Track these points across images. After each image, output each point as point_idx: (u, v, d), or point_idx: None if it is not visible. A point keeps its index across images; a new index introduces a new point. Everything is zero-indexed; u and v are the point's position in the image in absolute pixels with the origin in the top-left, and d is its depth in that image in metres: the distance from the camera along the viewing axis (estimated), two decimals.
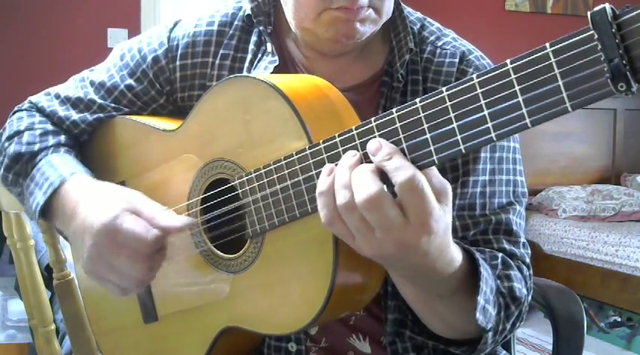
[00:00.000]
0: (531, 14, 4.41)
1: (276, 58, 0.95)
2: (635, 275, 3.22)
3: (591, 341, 3.29)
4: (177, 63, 0.99)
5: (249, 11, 0.99)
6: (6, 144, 1.00)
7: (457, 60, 0.95)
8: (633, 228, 3.57)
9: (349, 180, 0.65)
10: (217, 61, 0.98)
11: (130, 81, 1.01)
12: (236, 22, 1.00)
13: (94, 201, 0.85)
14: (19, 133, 1.00)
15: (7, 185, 1.02)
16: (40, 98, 1.06)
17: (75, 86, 1.05)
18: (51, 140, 0.99)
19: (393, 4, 0.93)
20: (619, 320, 3.41)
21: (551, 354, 1.24)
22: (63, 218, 0.89)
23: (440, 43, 0.97)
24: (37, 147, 0.97)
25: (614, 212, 3.85)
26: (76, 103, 1.03)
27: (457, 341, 0.87)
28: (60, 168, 0.93)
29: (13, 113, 1.06)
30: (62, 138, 1.00)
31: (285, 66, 0.98)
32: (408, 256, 0.66)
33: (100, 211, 0.82)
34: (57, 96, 1.05)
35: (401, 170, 0.63)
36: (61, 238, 1.19)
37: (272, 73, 0.94)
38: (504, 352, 1.07)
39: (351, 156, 0.66)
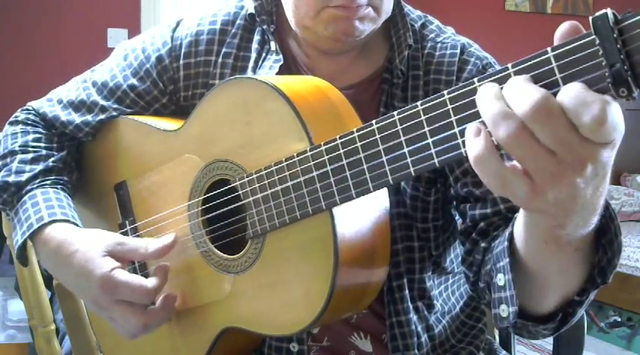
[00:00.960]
0: (531, 14, 4.41)
1: (281, 56, 0.96)
2: (634, 275, 3.22)
3: (591, 341, 3.29)
4: (181, 62, 1.00)
5: (251, 10, 0.99)
6: None
7: (458, 51, 0.96)
8: (633, 228, 3.57)
9: (505, 107, 0.54)
10: (220, 60, 0.99)
11: (132, 80, 1.01)
12: (238, 21, 1.00)
13: (79, 260, 0.86)
14: (12, 154, 1.00)
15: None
16: (42, 104, 1.06)
17: (77, 88, 1.05)
18: (40, 166, 0.98)
19: (392, 3, 0.93)
20: (619, 320, 3.41)
21: (551, 354, 1.24)
22: (48, 262, 0.92)
23: (440, 39, 0.98)
24: (25, 177, 0.96)
25: None
26: (79, 106, 1.03)
27: (546, 316, 0.79)
28: (41, 210, 0.92)
29: (10, 123, 1.06)
30: (50, 162, 0.99)
31: (288, 65, 0.98)
32: (590, 181, 0.56)
33: (90, 272, 0.84)
34: (59, 102, 1.05)
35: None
36: None
37: (277, 72, 0.94)
38: (504, 352, 1.07)
39: (490, 87, 0.56)
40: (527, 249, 0.72)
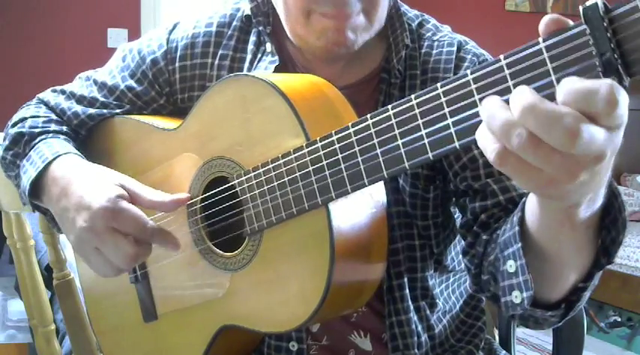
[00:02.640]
0: (531, 14, 4.41)
1: (277, 58, 0.96)
2: (635, 275, 3.22)
3: (591, 341, 3.29)
4: (177, 64, 1.00)
5: (247, 11, 0.99)
6: (11, 130, 1.02)
7: (455, 48, 0.96)
8: (633, 228, 3.57)
9: (511, 119, 0.51)
10: (216, 62, 0.99)
11: (130, 81, 1.02)
12: (234, 23, 1.01)
13: (89, 182, 0.86)
14: (24, 120, 1.02)
15: (5, 169, 1.03)
16: (47, 94, 1.09)
17: (80, 84, 1.07)
18: (53, 127, 1.01)
19: (386, 9, 0.93)
20: (619, 320, 3.41)
21: (551, 354, 1.24)
22: (53, 193, 0.90)
23: (436, 37, 0.98)
24: (37, 130, 0.99)
25: None
26: (80, 99, 1.05)
27: (554, 303, 0.78)
28: (55, 146, 0.94)
29: (21, 108, 1.08)
30: (64, 127, 1.02)
31: (285, 66, 0.98)
32: (605, 165, 0.56)
33: (97, 193, 0.83)
34: (63, 92, 1.07)
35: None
36: (61, 238, 1.19)
37: (273, 72, 0.94)
38: (504, 352, 1.07)
39: (493, 99, 0.54)
40: (542, 232, 0.70)
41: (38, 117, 1.03)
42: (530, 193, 0.70)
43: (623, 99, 0.50)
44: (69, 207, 0.87)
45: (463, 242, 0.91)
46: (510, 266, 0.76)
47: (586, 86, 0.50)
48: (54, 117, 1.04)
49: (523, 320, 0.81)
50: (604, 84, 0.49)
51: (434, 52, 0.96)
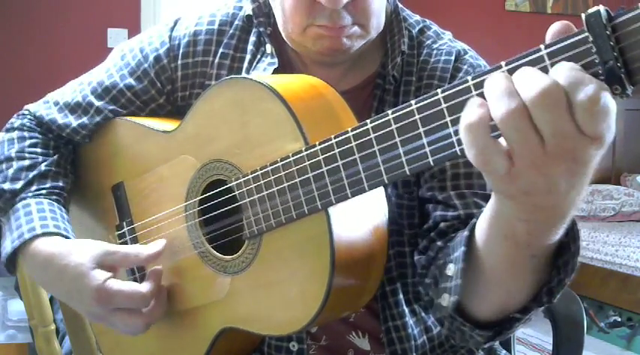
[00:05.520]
0: (531, 14, 4.41)
1: (276, 59, 0.96)
2: (635, 275, 3.22)
3: (591, 341, 3.29)
4: (179, 62, 1.00)
5: (249, 12, 0.99)
6: None
7: (452, 58, 0.96)
8: (633, 228, 3.57)
9: (513, 86, 0.54)
10: (217, 61, 0.99)
11: (129, 80, 1.01)
12: (236, 22, 1.00)
13: (69, 274, 0.86)
14: (9, 160, 1.00)
15: None
16: (39, 107, 1.06)
17: (72, 90, 1.05)
18: (35, 172, 0.98)
19: (383, 16, 0.93)
20: (619, 320, 3.41)
21: (551, 354, 1.24)
22: (37, 273, 0.92)
23: (436, 45, 0.98)
24: (20, 184, 0.96)
25: (614, 212, 3.85)
26: (74, 108, 1.03)
27: (491, 322, 0.78)
28: (34, 219, 0.92)
29: (6, 130, 1.06)
30: (44, 166, 0.99)
31: (284, 69, 0.98)
32: (570, 178, 0.56)
33: (83, 287, 0.85)
34: (56, 104, 1.05)
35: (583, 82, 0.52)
36: None
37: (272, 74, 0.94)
38: (504, 351, 1.07)
39: (500, 72, 0.56)
40: (485, 240, 0.71)
41: (23, 157, 1.00)
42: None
43: (607, 103, 0.51)
44: (63, 296, 0.91)
45: (419, 244, 0.91)
46: (449, 269, 0.77)
47: (579, 74, 0.51)
48: (39, 156, 1.00)
49: (451, 332, 0.81)
50: (596, 82, 0.50)
51: (432, 60, 0.96)
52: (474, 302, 0.76)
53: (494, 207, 0.67)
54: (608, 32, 0.50)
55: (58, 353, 1.24)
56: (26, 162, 0.99)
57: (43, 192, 0.97)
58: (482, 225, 0.71)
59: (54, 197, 0.97)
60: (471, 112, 0.55)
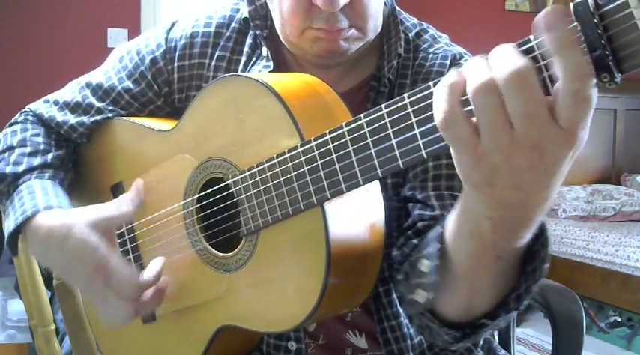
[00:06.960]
0: (531, 14, 4.41)
1: (271, 63, 0.96)
2: (635, 275, 3.22)
3: (591, 341, 3.30)
4: (176, 64, 1.00)
5: (246, 14, 0.99)
6: None
7: (448, 62, 0.96)
8: (633, 228, 3.57)
9: (487, 62, 0.54)
10: (213, 63, 0.99)
11: (127, 83, 1.02)
12: (233, 24, 1.00)
13: (68, 252, 0.85)
14: (11, 149, 1.00)
15: None
16: (39, 105, 1.07)
17: (72, 91, 1.06)
18: (38, 160, 0.98)
19: (381, 19, 0.93)
20: (619, 320, 3.41)
21: (551, 354, 1.24)
22: (39, 248, 0.90)
23: (432, 49, 0.98)
24: (21, 168, 0.96)
25: (614, 212, 3.85)
26: (74, 108, 1.04)
27: (459, 323, 0.79)
28: (37, 197, 0.92)
29: (10, 125, 1.06)
30: (49, 157, 0.99)
31: (280, 71, 0.98)
32: (536, 173, 0.55)
33: (81, 258, 0.84)
34: (56, 103, 1.05)
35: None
36: None
37: None
38: (504, 351, 1.07)
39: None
40: (453, 236, 0.71)
41: (25, 145, 1.00)
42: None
43: (590, 94, 0.51)
44: (63, 269, 0.88)
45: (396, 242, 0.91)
46: (423, 264, 0.77)
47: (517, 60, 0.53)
48: (41, 144, 1.01)
49: (420, 328, 0.82)
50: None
51: (427, 64, 0.96)
52: (441, 298, 0.77)
53: (462, 202, 0.67)
54: (595, 21, 0.51)
55: (58, 353, 1.24)
56: (28, 149, 0.99)
57: (46, 175, 0.97)
58: (451, 220, 0.72)
59: (57, 180, 0.98)
60: (449, 76, 0.56)
